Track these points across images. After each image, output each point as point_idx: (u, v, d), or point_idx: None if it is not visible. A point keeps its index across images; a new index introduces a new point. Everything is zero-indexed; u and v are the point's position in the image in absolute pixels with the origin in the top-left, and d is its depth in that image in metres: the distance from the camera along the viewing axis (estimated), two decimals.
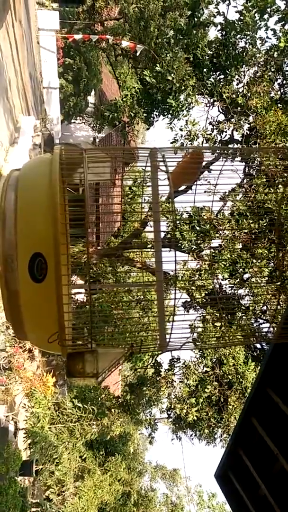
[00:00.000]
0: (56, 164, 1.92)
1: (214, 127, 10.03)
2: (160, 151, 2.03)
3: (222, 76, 9.95)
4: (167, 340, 1.94)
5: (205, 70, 9.89)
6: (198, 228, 9.33)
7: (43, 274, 1.84)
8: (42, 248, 1.84)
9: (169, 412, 10.43)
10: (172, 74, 9.44)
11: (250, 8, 9.34)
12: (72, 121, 17.02)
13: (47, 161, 2.00)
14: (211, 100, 10.03)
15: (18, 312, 1.93)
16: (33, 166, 2.17)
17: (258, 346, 9.99)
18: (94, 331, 1.90)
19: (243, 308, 8.88)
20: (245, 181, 9.40)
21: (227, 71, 9.71)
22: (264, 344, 8.96)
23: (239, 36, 9.66)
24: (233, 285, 9.10)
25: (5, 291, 1.90)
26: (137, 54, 11.24)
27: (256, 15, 9.41)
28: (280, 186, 7.36)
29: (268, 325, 8.88)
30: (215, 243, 9.33)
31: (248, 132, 9.65)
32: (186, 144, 10.04)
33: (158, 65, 9.64)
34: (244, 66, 9.68)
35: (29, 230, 1.91)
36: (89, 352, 1.86)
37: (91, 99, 17.89)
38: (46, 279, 1.84)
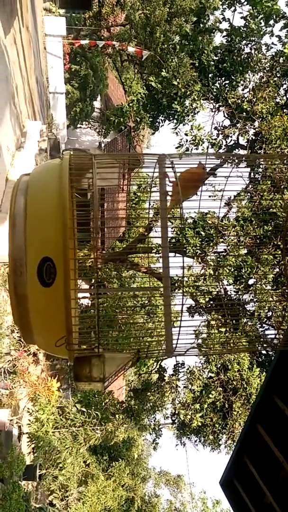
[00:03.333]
0: (65, 170, 1.94)
1: (220, 132, 10.06)
2: (169, 157, 2.04)
3: (227, 82, 9.98)
4: (174, 346, 1.94)
5: (210, 75, 9.93)
6: (203, 233, 9.34)
7: (52, 278, 1.85)
8: (51, 253, 1.85)
9: (173, 418, 10.38)
10: (178, 80, 9.49)
11: (256, 14, 9.39)
12: (78, 126, 17.13)
13: (56, 167, 2.02)
14: (217, 105, 10.06)
15: (26, 316, 1.94)
16: (43, 171, 2.19)
17: (263, 351, 9.94)
18: (101, 335, 1.90)
19: (248, 313, 8.85)
20: (250, 186, 9.40)
21: (233, 77, 9.75)
22: (269, 350, 8.91)
23: (244, 42, 9.71)
24: (238, 290, 9.08)
25: (14, 295, 1.91)
26: (143, 59, 11.32)
27: (261, 21, 9.46)
28: (286, 191, 7.35)
29: (273, 330, 8.84)
30: (220, 248, 9.33)
31: (254, 137, 9.66)
32: (191, 149, 10.08)
33: (163, 70, 9.70)
34: (249, 71, 9.72)
35: (38, 235, 1.93)
36: (96, 357, 1.86)
37: (97, 104, 18.01)
38: (54, 283, 1.85)
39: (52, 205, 1.91)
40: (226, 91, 9.67)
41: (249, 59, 9.61)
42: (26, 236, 1.90)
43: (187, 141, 9.92)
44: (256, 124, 9.41)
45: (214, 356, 9.09)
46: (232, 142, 10.15)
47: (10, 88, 8.45)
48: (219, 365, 9.64)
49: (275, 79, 9.44)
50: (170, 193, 2.21)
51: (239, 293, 9.12)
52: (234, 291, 9.17)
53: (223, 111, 9.97)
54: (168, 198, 2.22)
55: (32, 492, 9.09)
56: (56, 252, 1.83)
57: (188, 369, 9.85)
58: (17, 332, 7.75)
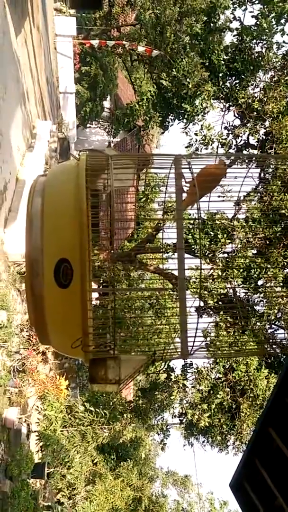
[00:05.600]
0: (82, 171, 1.93)
1: (230, 132, 10.00)
2: (185, 158, 2.03)
3: (237, 81, 9.92)
4: (190, 348, 1.93)
5: (220, 75, 9.88)
6: (212, 233, 9.28)
7: (69, 279, 1.84)
8: (68, 254, 1.85)
9: (181, 418, 10.35)
10: (188, 79, 9.45)
11: (267, 13, 9.31)
12: (88, 125, 17.17)
13: (73, 168, 2.01)
14: (227, 105, 10.00)
15: (42, 317, 1.94)
16: (59, 173, 2.19)
17: (272, 351, 9.85)
18: (116, 337, 1.90)
19: (258, 314, 8.78)
20: (260, 186, 9.33)
21: (243, 76, 9.68)
22: (278, 351, 8.84)
23: (255, 41, 9.64)
24: (247, 291, 9.02)
25: (30, 295, 1.91)
26: (153, 59, 11.30)
27: (272, 20, 9.38)
28: None
29: (283, 331, 8.77)
30: (229, 248, 9.27)
31: (264, 137, 9.59)
32: (201, 149, 10.04)
33: (174, 70, 9.67)
34: (260, 71, 9.65)
35: (55, 236, 1.92)
36: (112, 359, 1.85)
37: (106, 104, 18.04)
38: (71, 284, 1.84)
39: (69, 207, 1.91)
40: (236, 90, 9.61)
41: (260, 58, 9.53)
42: (43, 237, 1.89)
43: (197, 140, 9.88)
44: (267, 123, 9.34)
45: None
46: (243, 142, 10.09)
47: (20, 88, 8.49)
48: (227, 365, 9.58)
49: (286, 78, 9.35)
50: (186, 191, 2.19)
51: (249, 293, 9.06)
52: (244, 292, 9.11)
53: (234, 111, 9.91)
54: (184, 195, 2.20)
55: (40, 490, 9.13)
56: (73, 254, 1.82)
57: (196, 369, 9.81)
58: (27, 331, 7.79)
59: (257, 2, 9.50)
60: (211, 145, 9.75)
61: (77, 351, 1.84)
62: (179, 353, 1.95)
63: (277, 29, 9.45)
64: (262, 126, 9.49)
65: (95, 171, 1.99)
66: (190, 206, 2.38)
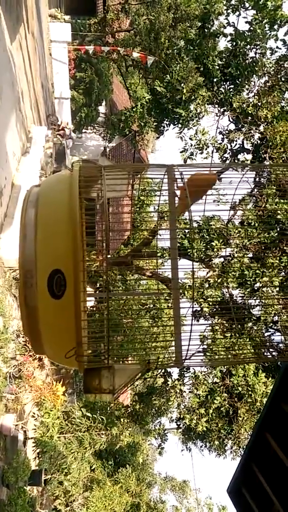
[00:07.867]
0: (75, 183, 1.94)
1: (225, 137, 10.06)
2: (178, 168, 2.04)
3: (232, 86, 9.99)
4: (184, 356, 1.94)
5: (215, 80, 9.95)
6: (207, 237, 9.31)
7: (62, 290, 1.85)
8: (61, 265, 1.86)
9: (178, 423, 10.33)
10: (182, 84, 9.51)
11: (260, 19, 9.39)
12: (83, 131, 17.21)
13: (67, 178, 2.02)
14: (221, 110, 10.06)
15: (36, 327, 1.94)
16: (53, 184, 2.20)
17: (269, 356, 9.84)
18: (111, 347, 1.90)
19: (254, 318, 8.80)
20: (255, 190, 9.37)
21: (237, 81, 9.76)
22: (275, 354, 8.83)
23: (249, 46, 9.72)
24: (243, 295, 9.03)
25: (24, 306, 1.92)
26: (148, 65, 11.36)
27: (266, 25, 9.47)
28: None
29: (279, 335, 8.78)
30: (225, 253, 9.30)
31: (259, 142, 9.65)
32: (196, 154, 10.09)
33: (168, 75, 9.73)
34: (254, 76, 9.73)
35: (48, 247, 1.93)
36: (106, 368, 1.86)
37: (101, 109, 18.10)
38: (64, 295, 1.85)
39: (62, 218, 1.92)
40: (231, 95, 9.68)
41: (254, 64, 9.61)
42: (37, 248, 1.91)
43: (191, 145, 9.94)
44: (261, 128, 9.40)
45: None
46: (237, 146, 10.14)
47: (15, 94, 8.51)
48: (224, 370, 9.58)
49: (280, 83, 9.43)
50: (178, 197, 2.21)
51: (245, 297, 9.07)
52: (240, 296, 9.13)
53: (228, 116, 9.97)
54: (177, 200, 2.22)
55: (38, 497, 9.06)
56: (66, 265, 1.84)
57: (193, 373, 9.80)
58: (23, 337, 7.76)
59: (250, 8, 9.59)
60: (206, 149, 9.81)
61: (71, 361, 1.85)
62: (173, 361, 1.96)
63: (270, 34, 9.54)
64: (257, 131, 9.55)
65: (89, 182, 2.00)
66: (184, 211, 2.39)
